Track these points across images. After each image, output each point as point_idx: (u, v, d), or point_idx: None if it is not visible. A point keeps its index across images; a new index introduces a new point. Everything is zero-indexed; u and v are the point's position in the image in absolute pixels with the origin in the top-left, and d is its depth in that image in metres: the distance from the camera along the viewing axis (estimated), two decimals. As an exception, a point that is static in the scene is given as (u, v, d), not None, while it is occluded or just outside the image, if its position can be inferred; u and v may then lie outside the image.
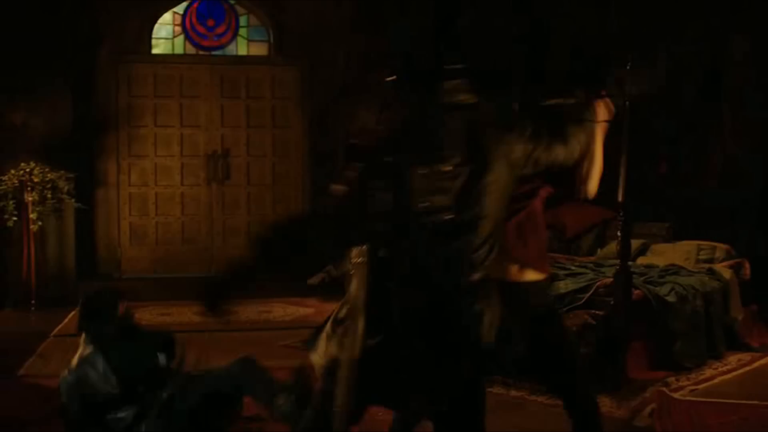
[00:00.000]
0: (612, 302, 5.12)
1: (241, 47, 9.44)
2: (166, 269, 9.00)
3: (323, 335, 2.89)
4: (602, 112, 3.18)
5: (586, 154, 3.07)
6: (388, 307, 2.73)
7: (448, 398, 2.82)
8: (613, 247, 6.80)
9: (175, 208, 9.05)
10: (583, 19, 7.55)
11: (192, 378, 3.85)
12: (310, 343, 2.96)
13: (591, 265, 6.27)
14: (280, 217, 8.67)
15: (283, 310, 7.72)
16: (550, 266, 6.20)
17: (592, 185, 3.20)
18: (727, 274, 6.06)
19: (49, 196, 7.85)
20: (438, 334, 2.72)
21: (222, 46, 9.39)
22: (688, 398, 4.64)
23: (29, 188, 7.78)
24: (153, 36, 9.27)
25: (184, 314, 7.33)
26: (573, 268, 6.10)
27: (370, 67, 8.46)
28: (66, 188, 7.96)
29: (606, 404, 4.62)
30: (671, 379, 5.09)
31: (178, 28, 9.38)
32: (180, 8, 9.33)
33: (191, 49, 9.41)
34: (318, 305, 7.52)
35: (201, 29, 9.39)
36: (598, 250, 7.11)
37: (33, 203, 7.79)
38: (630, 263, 5.28)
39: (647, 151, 6.89)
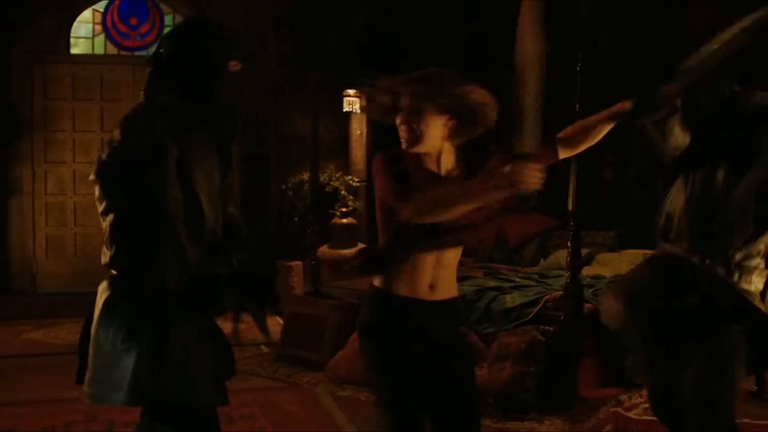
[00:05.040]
0: (562, 317, 4.94)
1: (165, 48, 8.99)
2: (87, 284, 8.44)
3: None
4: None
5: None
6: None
7: None
8: (556, 256, 6.66)
9: (96, 218, 8.47)
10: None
11: None
12: None
13: (536, 276, 6.08)
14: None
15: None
16: (494, 277, 6.00)
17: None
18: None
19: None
20: None
21: (146, 47, 8.92)
22: (644, 417, 4.45)
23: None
24: (71, 35, 8.76)
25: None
26: (518, 279, 5.89)
27: (300, 67, 8.19)
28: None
29: (558, 426, 4.43)
30: (624, 397, 4.89)
31: (98, 27, 8.90)
32: (100, 6, 8.85)
33: (113, 49, 8.93)
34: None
35: (123, 28, 8.94)
36: (541, 260, 6.93)
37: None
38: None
39: (595, 157, 6.73)
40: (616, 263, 6.25)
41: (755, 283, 2.81)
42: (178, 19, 9.00)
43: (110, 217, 2.50)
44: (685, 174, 2.90)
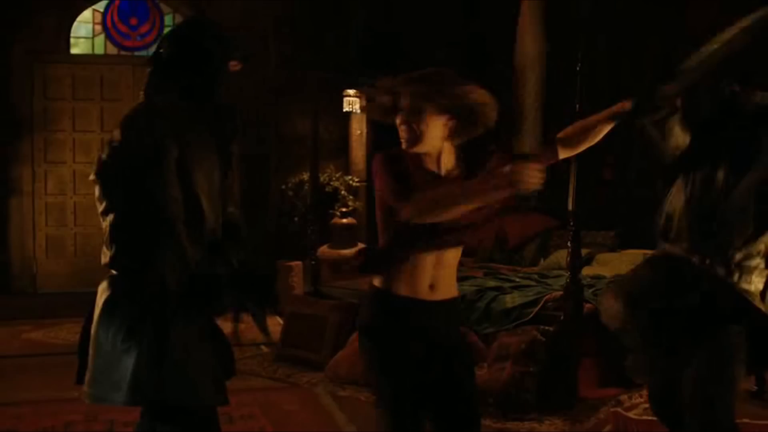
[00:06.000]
0: (562, 317, 4.93)
1: (165, 48, 8.96)
2: (87, 284, 8.44)
3: None
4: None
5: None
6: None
7: None
8: (556, 256, 6.65)
9: (96, 218, 8.47)
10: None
11: None
12: None
13: (536, 276, 6.08)
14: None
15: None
16: (494, 277, 5.99)
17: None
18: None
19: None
20: None
21: (146, 47, 8.91)
22: (644, 417, 4.45)
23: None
24: (71, 35, 8.75)
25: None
26: (518, 279, 5.89)
27: (300, 67, 8.19)
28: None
29: (558, 426, 4.42)
30: (623, 397, 4.89)
31: (98, 27, 8.88)
32: (100, 6, 8.84)
33: (113, 49, 8.92)
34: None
35: (123, 28, 8.93)
36: (541, 260, 6.93)
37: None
38: (576, 275, 5.08)
39: (595, 157, 6.73)
40: (616, 263, 6.24)
41: (755, 283, 2.81)
42: (178, 19, 8.99)
43: (110, 217, 2.50)
44: (685, 174, 2.89)
